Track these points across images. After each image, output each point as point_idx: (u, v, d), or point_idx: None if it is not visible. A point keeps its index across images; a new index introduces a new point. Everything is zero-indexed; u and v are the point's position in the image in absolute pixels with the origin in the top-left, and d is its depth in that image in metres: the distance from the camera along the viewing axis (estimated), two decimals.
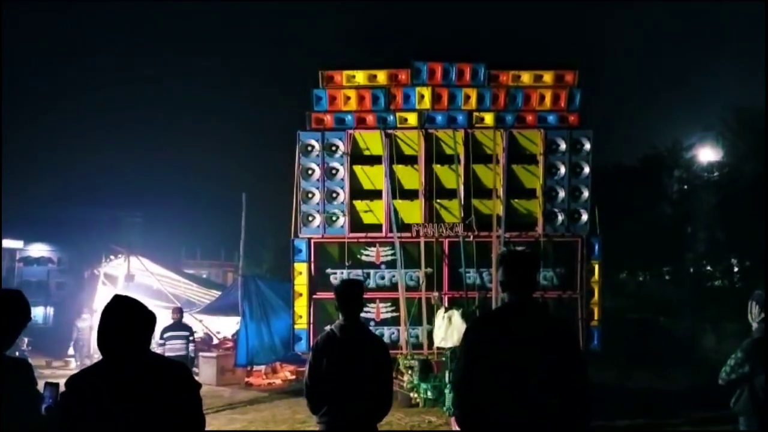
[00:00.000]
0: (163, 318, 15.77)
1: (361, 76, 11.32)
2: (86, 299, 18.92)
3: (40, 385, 3.47)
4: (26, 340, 16.30)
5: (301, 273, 11.09)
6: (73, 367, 16.49)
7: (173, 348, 11.57)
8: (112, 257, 18.82)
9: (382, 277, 11.11)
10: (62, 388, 2.87)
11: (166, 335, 11.79)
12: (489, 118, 11.27)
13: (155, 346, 11.43)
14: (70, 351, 18.19)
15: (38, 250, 39.10)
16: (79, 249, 33.51)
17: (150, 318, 2.94)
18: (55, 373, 15.03)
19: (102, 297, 17.62)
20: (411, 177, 11.26)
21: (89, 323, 17.31)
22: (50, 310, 30.32)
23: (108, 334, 2.82)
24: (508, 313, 3.18)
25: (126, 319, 2.84)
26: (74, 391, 2.76)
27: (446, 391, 9.95)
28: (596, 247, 11.19)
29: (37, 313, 29.15)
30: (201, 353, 14.74)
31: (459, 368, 3.20)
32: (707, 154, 24.96)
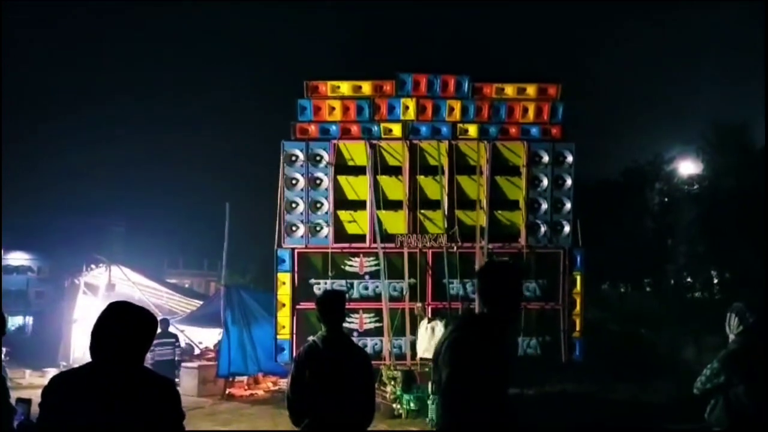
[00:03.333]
0: None
1: (346, 87, 11.35)
2: (67, 309, 18.69)
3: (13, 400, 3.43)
4: (4, 350, 16.03)
5: (284, 283, 11.05)
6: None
7: (162, 353, 12.22)
8: (93, 266, 18.63)
9: (366, 288, 11.10)
10: (37, 399, 2.78)
11: (155, 342, 12.29)
12: (473, 130, 11.34)
13: None
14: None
15: (18, 258, 38.59)
16: (60, 258, 33.12)
17: (150, 326, 2.81)
18: (33, 383, 14.81)
19: (83, 306, 17.44)
20: (395, 187, 11.28)
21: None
22: (29, 320, 29.88)
23: (104, 340, 2.69)
24: (488, 323, 3.22)
25: (126, 326, 2.72)
26: (54, 390, 2.66)
27: (429, 402, 9.94)
28: (578, 259, 11.27)
29: (16, 322, 28.72)
30: (182, 364, 14.63)
31: (451, 382, 3.07)
32: (688, 167, 25.30)
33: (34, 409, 3.65)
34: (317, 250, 11.16)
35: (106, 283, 17.51)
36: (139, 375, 2.74)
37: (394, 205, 11.26)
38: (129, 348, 2.70)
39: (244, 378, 14.89)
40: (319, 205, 11.19)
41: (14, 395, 3.42)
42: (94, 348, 2.70)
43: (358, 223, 11.25)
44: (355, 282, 11.09)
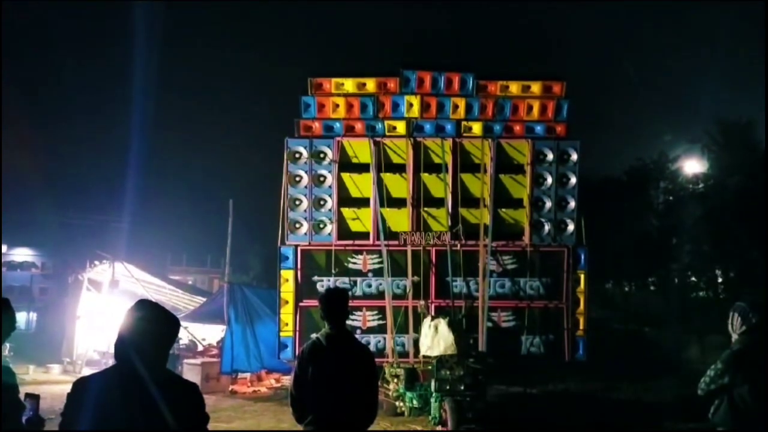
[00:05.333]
0: None
1: (350, 84, 11.33)
2: (70, 305, 18.73)
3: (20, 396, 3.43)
4: (8, 345, 16.07)
5: (287, 280, 11.06)
6: (56, 373, 16.29)
7: None
8: (96, 263, 18.65)
9: (369, 285, 11.10)
10: (44, 397, 2.77)
11: None
12: (477, 128, 11.32)
13: None
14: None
15: (22, 254, 38.73)
16: (64, 254, 33.24)
17: (174, 327, 2.79)
18: (37, 379, 14.86)
19: (86, 303, 17.48)
20: (399, 185, 11.27)
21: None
22: (33, 316, 29.94)
23: (129, 340, 2.65)
24: None
25: (151, 325, 2.68)
26: (80, 393, 2.64)
27: (432, 399, 9.92)
28: (582, 257, 11.25)
29: (20, 318, 28.72)
30: (185, 360, 14.65)
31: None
32: (693, 166, 25.23)
33: (43, 404, 3.65)
34: (321, 247, 11.15)
35: (109, 280, 17.53)
36: (164, 377, 2.70)
37: (398, 203, 11.25)
38: (154, 348, 2.68)
39: (247, 375, 14.92)
40: (322, 203, 11.19)
41: (21, 390, 3.42)
42: (119, 348, 2.66)
43: (362, 220, 11.24)
44: (359, 279, 11.09)
